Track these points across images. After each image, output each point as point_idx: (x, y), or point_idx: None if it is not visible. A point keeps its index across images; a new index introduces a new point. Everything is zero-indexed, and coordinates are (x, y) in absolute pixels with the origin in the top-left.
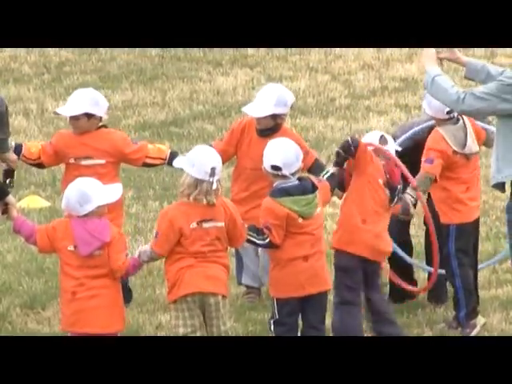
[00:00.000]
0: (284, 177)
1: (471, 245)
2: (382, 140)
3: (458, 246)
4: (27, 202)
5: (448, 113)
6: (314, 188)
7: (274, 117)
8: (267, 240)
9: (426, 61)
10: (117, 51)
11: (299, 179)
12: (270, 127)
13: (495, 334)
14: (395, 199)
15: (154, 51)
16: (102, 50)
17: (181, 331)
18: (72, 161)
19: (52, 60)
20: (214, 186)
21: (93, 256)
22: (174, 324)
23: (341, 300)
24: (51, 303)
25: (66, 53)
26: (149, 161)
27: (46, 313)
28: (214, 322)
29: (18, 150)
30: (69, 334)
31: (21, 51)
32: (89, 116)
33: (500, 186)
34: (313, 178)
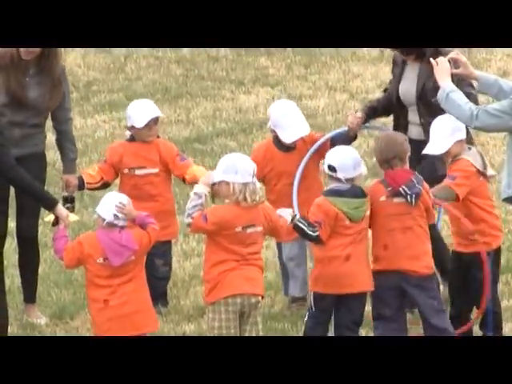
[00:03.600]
0: (338, 180)
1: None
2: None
3: (493, 271)
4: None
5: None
6: (364, 193)
7: None
8: (317, 233)
9: (440, 75)
10: (143, 71)
11: (351, 185)
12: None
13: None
14: (410, 197)
15: (178, 71)
16: (128, 69)
17: (216, 332)
18: (126, 171)
19: (80, 79)
20: (258, 185)
21: (124, 264)
22: (211, 326)
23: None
24: (79, 313)
25: (93, 72)
26: (188, 180)
27: (75, 323)
28: (250, 320)
29: (80, 181)
30: None
31: None
32: (155, 120)
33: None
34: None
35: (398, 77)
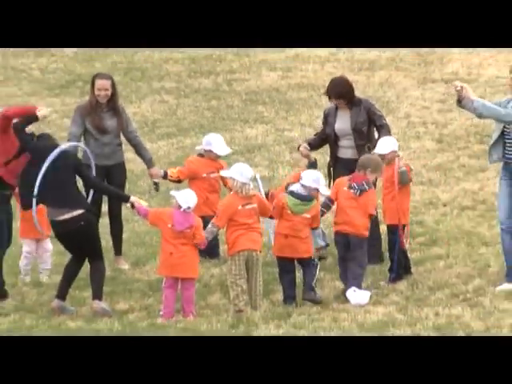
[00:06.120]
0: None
1: None
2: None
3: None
4: None
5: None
6: (310, 199)
7: None
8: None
9: (470, 93)
10: (187, 114)
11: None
12: None
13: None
14: (355, 190)
15: (209, 114)
16: (178, 113)
17: (233, 271)
18: (205, 175)
19: (149, 119)
20: (251, 186)
21: (183, 232)
22: (230, 269)
23: None
24: (149, 262)
25: (156, 115)
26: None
27: (146, 267)
28: (254, 268)
29: (164, 173)
30: (164, 277)
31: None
32: None
33: None
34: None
35: (333, 121)
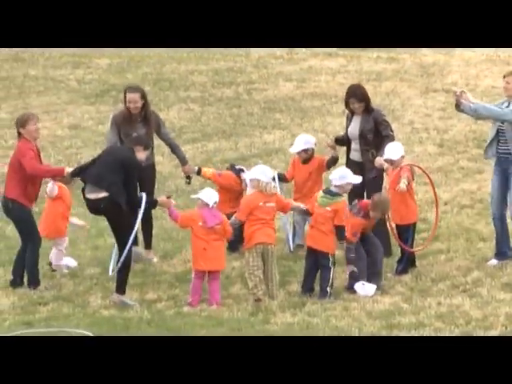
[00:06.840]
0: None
1: None
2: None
3: (412, 235)
4: None
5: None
6: (336, 195)
7: (306, 150)
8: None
9: (470, 97)
10: (211, 121)
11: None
12: (306, 157)
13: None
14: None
15: (230, 120)
16: (202, 119)
17: (250, 263)
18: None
19: (176, 126)
20: (272, 185)
21: (214, 228)
22: (248, 260)
23: None
24: (176, 256)
25: (182, 121)
26: None
27: (173, 261)
28: (269, 260)
29: (198, 170)
30: (193, 270)
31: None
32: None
33: None
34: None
35: (348, 125)
